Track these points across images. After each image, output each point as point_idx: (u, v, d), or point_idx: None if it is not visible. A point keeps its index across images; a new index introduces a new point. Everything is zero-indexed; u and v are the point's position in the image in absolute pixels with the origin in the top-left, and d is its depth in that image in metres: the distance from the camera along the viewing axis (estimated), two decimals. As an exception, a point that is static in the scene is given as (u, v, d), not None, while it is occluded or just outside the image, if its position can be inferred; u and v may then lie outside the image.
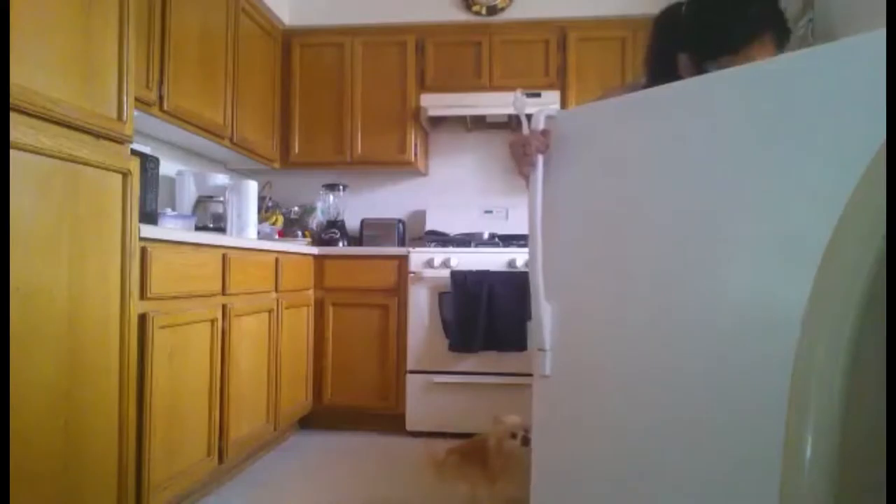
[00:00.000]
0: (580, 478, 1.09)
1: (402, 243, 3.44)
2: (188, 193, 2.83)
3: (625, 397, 0.99)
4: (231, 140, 2.89)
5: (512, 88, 3.19)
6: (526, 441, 1.83)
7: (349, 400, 3.08)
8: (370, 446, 2.87)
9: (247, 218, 2.69)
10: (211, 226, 2.78)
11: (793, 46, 1.16)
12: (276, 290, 2.65)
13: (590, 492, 1.06)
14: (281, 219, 3.45)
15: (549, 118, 1.18)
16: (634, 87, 1.52)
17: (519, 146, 1.21)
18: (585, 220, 1.12)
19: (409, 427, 2.99)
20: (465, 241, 3.21)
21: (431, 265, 3.00)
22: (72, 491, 1.45)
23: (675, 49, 1.30)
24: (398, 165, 3.46)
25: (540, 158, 1.17)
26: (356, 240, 3.48)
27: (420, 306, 3.00)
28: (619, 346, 1.01)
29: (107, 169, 1.55)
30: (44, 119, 1.36)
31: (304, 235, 3.43)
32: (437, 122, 3.59)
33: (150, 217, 2.23)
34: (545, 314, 1.15)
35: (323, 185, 3.54)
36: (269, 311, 2.58)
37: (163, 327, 1.81)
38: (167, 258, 1.84)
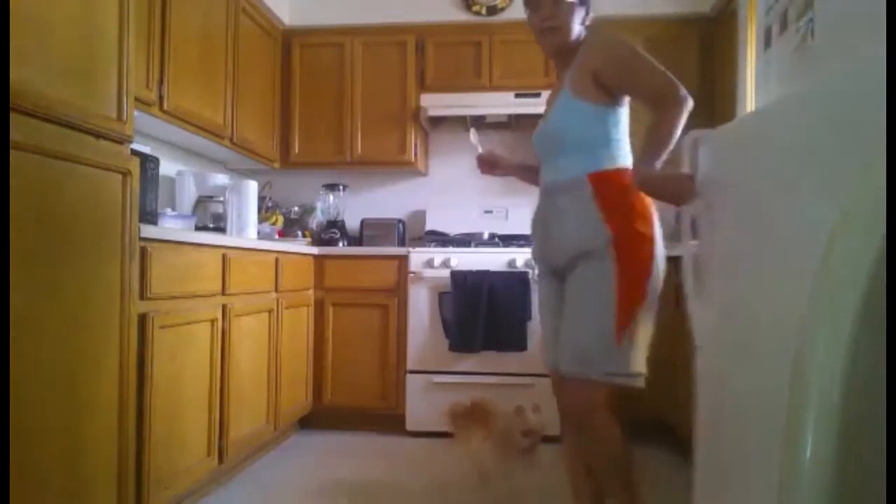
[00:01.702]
0: (740, 471, 1.10)
1: (402, 243, 3.44)
2: (188, 193, 2.83)
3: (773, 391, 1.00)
4: (231, 140, 2.89)
5: (512, 88, 3.26)
6: (532, 447, 1.80)
7: (349, 400, 3.08)
8: (370, 446, 2.87)
9: (247, 218, 2.69)
10: (211, 226, 2.78)
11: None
12: (276, 290, 2.65)
13: (750, 489, 1.07)
14: (281, 219, 3.45)
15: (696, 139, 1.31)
16: None
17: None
18: (737, 230, 1.18)
19: (409, 427, 2.99)
20: (465, 241, 3.21)
21: (431, 265, 3.00)
22: (72, 489, 1.45)
23: None
24: (398, 165, 3.46)
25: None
26: (356, 240, 3.48)
27: (420, 306, 3.00)
28: (770, 341, 1.02)
29: (107, 169, 1.55)
30: (44, 119, 1.36)
31: (304, 235, 3.43)
32: (437, 122, 3.59)
33: (150, 217, 2.23)
34: (697, 314, 1.30)
35: (323, 185, 3.54)
36: (269, 311, 2.58)
37: (163, 327, 1.81)
38: (167, 258, 1.84)
